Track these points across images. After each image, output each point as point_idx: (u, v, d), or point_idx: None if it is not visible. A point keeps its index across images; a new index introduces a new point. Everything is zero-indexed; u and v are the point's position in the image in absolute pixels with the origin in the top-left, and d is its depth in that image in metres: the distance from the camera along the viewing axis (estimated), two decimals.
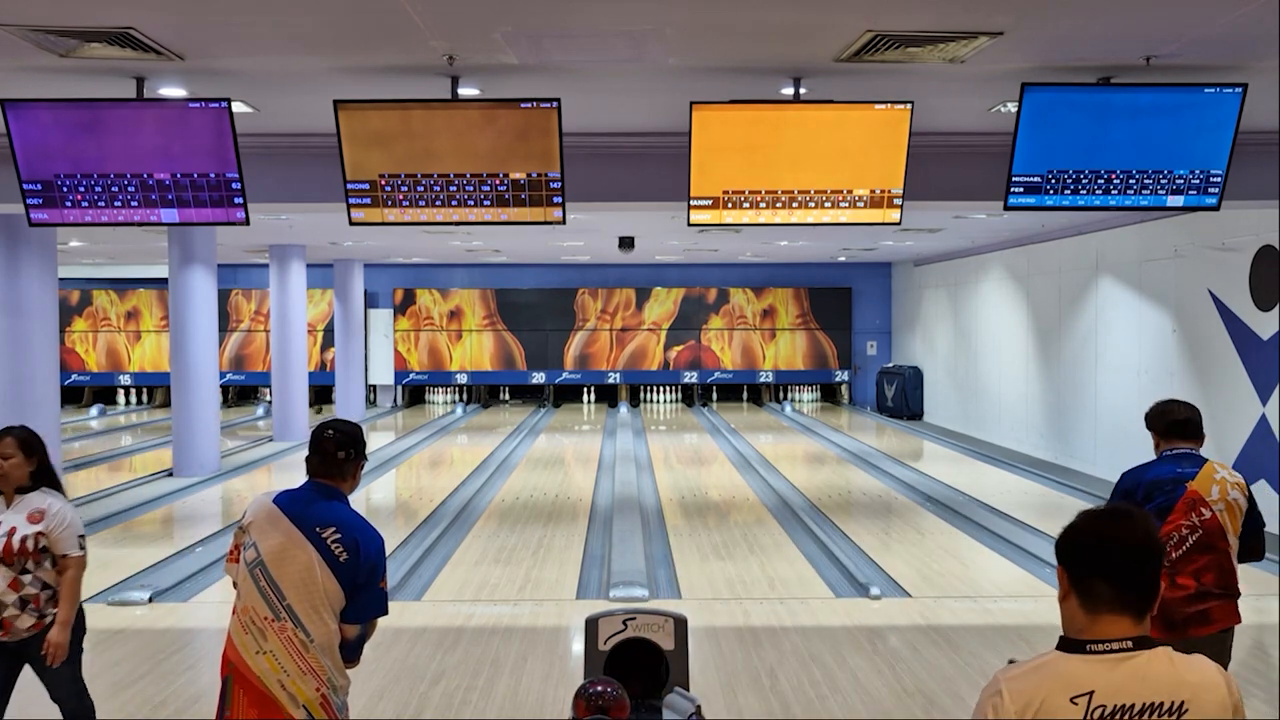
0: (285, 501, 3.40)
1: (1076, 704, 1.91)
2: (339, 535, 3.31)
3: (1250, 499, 4.19)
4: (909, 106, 5.94)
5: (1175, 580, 4.07)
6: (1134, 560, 2.00)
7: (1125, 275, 12.15)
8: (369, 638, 3.55)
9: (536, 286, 22.39)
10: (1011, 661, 2.16)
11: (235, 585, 3.49)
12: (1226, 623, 4.11)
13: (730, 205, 6.15)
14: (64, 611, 4.23)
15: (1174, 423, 4.23)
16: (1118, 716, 1.90)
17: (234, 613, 3.44)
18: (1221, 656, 4.13)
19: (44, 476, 4.26)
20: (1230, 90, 5.71)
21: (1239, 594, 4.16)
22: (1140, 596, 2.00)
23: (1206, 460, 4.18)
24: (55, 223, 6.14)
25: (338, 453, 3.42)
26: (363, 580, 3.35)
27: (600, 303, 22.42)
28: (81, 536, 4.26)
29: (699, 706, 3.65)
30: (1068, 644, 2.02)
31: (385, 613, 3.48)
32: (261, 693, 3.34)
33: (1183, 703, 1.92)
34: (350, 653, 3.46)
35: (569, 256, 20.00)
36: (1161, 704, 1.91)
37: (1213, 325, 10.15)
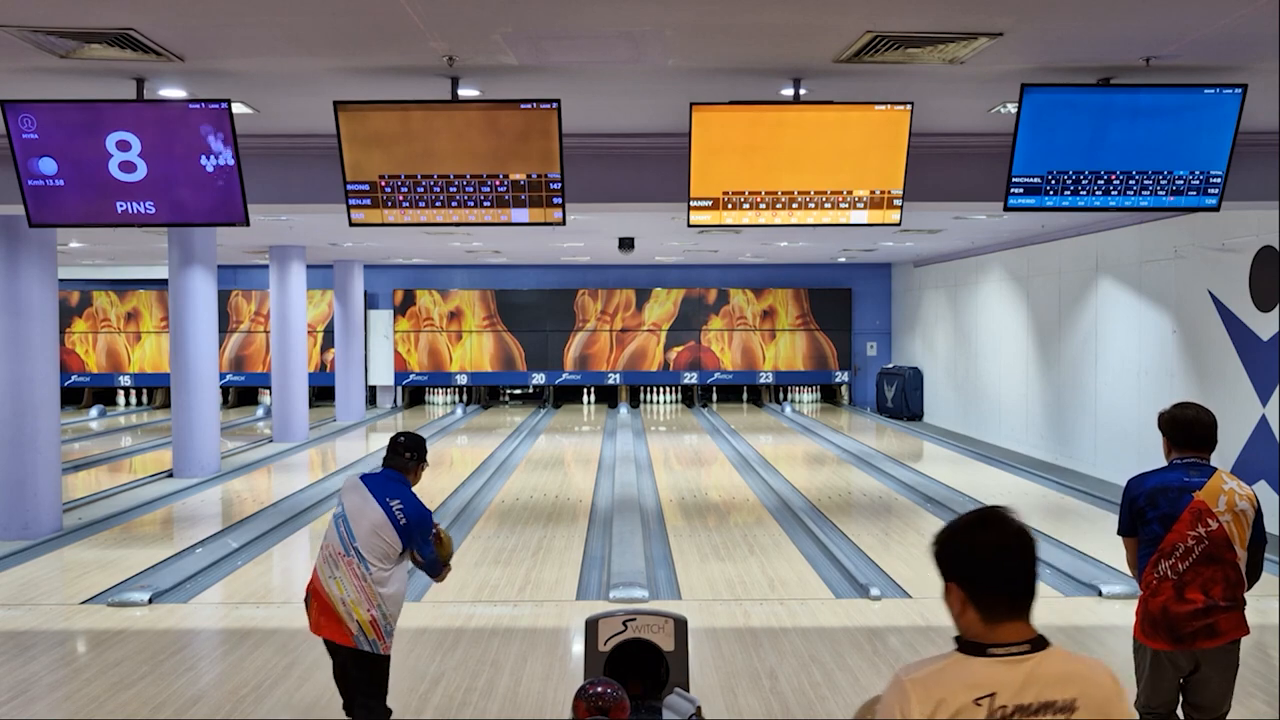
0: (368, 479, 4.69)
1: (980, 705, 2.03)
2: (402, 506, 4.58)
3: (1258, 512, 4.09)
4: (909, 107, 5.94)
5: (1183, 594, 3.99)
6: (1021, 571, 2.14)
7: (1125, 276, 12.15)
8: (444, 561, 4.79)
9: (536, 287, 22.39)
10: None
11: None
12: (1234, 635, 4.03)
13: (730, 206, 6.15)
14: None
15: (1187, 433, 4.13)
16: (1017, 715, 2.03)
17: (321, 549, 4.63)
18: (1230, 668, 4.10)
19: None
20: (1230, 91, 5.71)
21: (1244, 604, 4.09)
22: (1030, 599, 2.14)
23: (1215, 470, 4.07)
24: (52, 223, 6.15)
25: (405, 452, 4.75)
26: (417, 536, 4.62)
27: (600, 304, 22.42)
28: None
29: (699, 707, 3.65)
30: (969, 646, 2.12)
31: (436, 545, 4.75)
32: (329, 607, 4.52)
33: (1074, 699, 2.07)
34: (431, 572, 4.78)
35: (569, 257, 20.00)
36: (1055, 701, 2.05)
37: (1213, 326, 10.16)
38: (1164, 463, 4.23)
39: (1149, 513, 4.07)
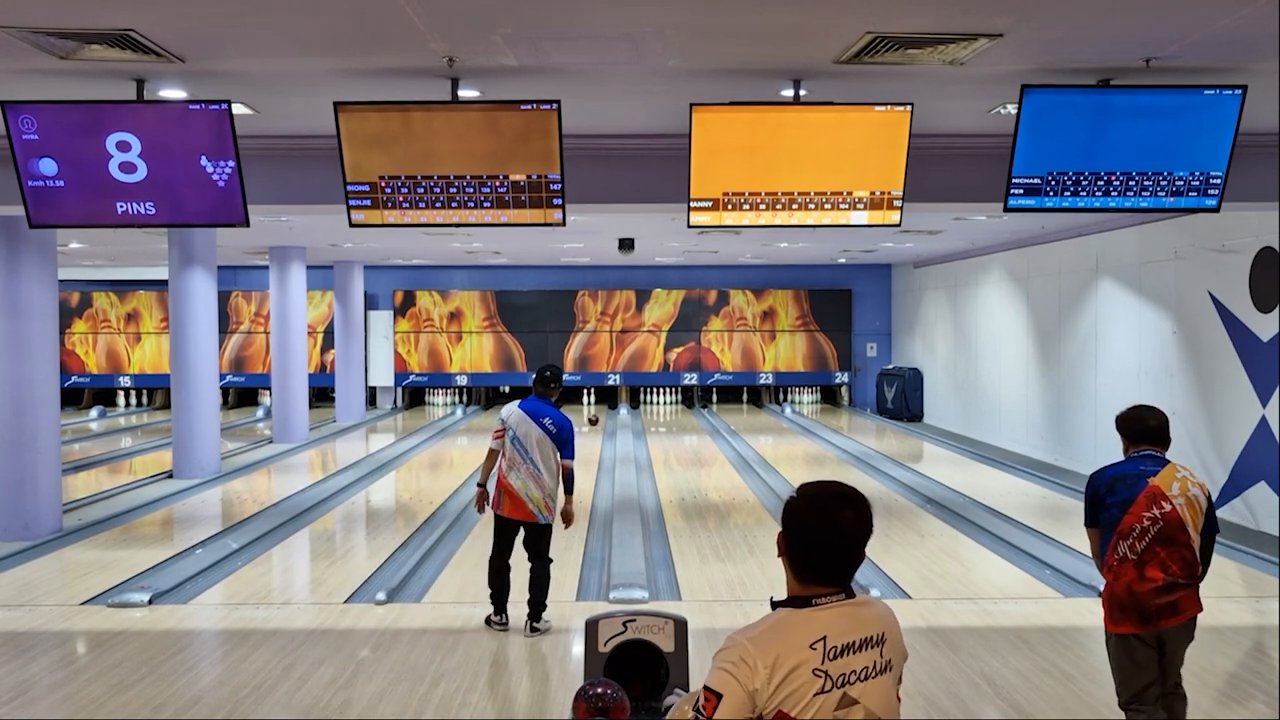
0: (525, 406, 6.66)
1: (815, 649, 2.28)
2: (551, 420, 6.60)
3: (1210, 501, 4.34)
4: (909, 108, 5.94)
5: (1144, 573, 4.24)
6: (843, 555, 2.36)
7: (1125, 277, 12.15)
8: (574, 476, 6.66)
9: (536, 288, 22.38)
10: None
11: (500, 450, 6.63)
12: (1192, 612, 4.30)
13: (730, 207, 6.15)
14: None
15: (1143, 429, 4.44)
16: (846, 652, 2.30)
17: (502, 458, 6.59)
18: (1188, 641, 4.38)
19: None
20: (1230, 92, 5.71)
21: (1199, 583, 4.33)
22: (845, 575, 2.37)
23: (1170, 461, 4.37)
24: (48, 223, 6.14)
25: (550, 384, 6.71)
26: (566, 438, 6.59)
27: (600, 304, 22.42)
28: None
29: None
30: (795, 601, 2.35)
31: (573, 457, 6.66)
32: (514, 494, 6.53)
33: (883, 633, 2.38)
34: (568, 485, 6.63)
35: (569, 258, 20.00)
36: (871, 637, 2.35)
37: (1213, 327, 10.15)
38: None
39: (1108, 499, 4.34)
